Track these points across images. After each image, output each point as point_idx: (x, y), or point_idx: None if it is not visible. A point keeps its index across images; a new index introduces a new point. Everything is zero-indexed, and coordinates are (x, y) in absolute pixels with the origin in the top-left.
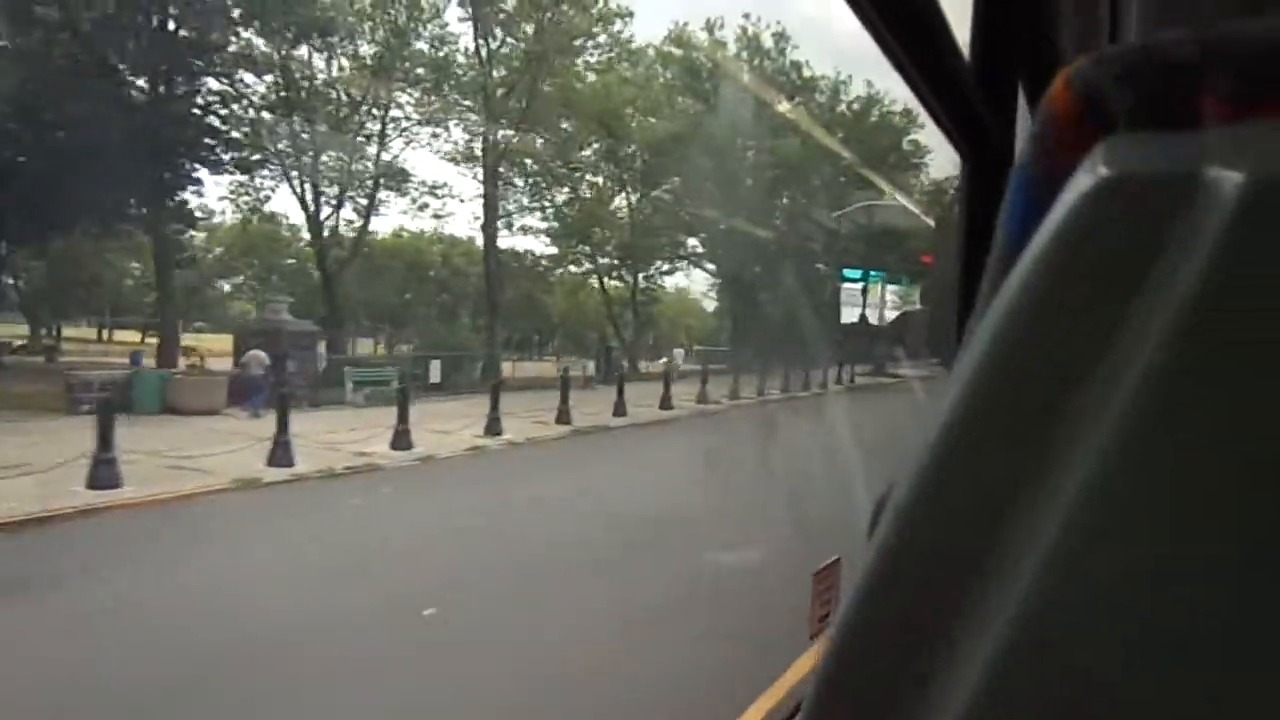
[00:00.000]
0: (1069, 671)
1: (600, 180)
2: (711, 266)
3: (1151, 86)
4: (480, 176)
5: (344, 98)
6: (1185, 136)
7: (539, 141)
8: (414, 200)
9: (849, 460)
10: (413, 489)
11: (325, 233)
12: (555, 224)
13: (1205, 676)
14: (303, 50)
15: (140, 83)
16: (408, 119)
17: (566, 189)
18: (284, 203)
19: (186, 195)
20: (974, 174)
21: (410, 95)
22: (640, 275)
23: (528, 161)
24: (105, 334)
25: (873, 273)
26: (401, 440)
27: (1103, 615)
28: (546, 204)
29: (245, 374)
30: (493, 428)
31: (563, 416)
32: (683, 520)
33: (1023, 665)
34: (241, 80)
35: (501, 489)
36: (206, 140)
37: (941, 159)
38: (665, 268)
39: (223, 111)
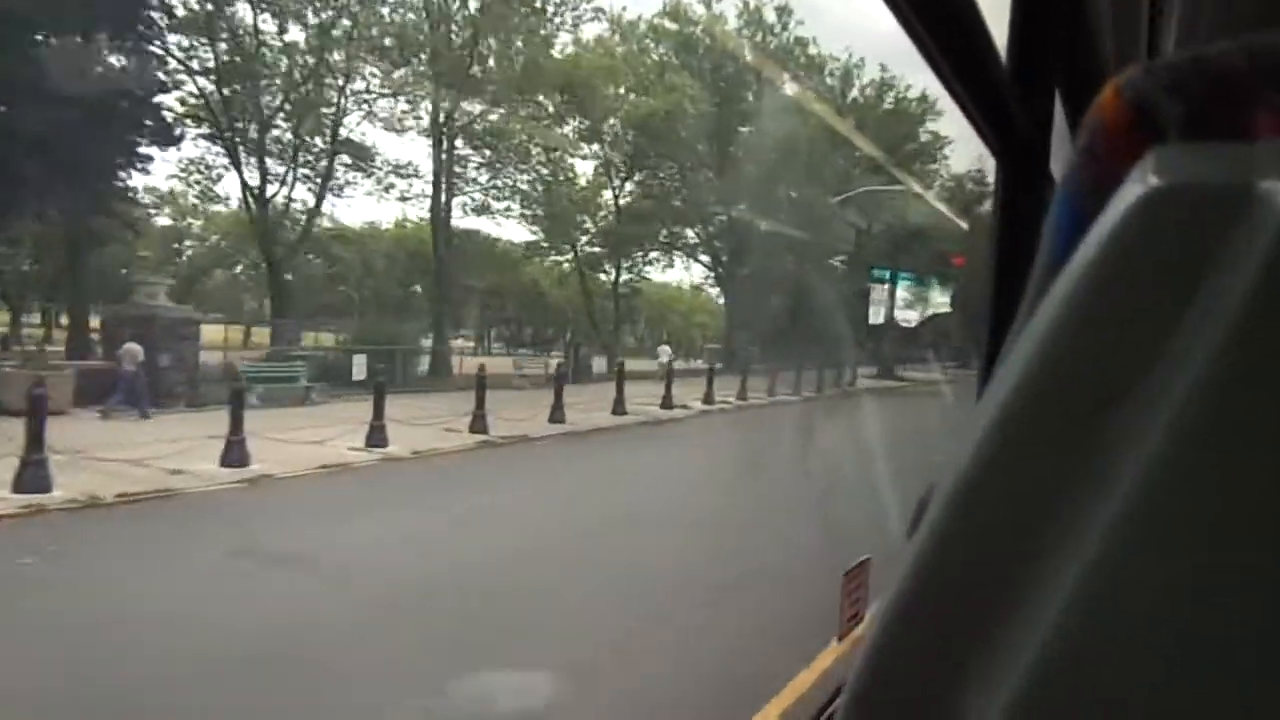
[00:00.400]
0: (1111, 675)
1: (572, 158)
2: (707, 258)
3: (1203, 97)
4: (442, 151)
5: (296, 66)
6: (1237, 148)
7: (503, 115)
8: (379, 181)
9: (823, 498)
10: (173, 531)
11: (303, 216)
12: (522, 207)
13: (1245, 687)
14: (244, 12)
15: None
16: (369, 91)
17: (531, 168)
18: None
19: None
20: (1008, 176)
21: (375, 66)
22: (624, 266)
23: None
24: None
25: (901, 272)
26: (234, 454)
27: (1145, 622)
28: (507, 184)
29: (119, 368)
30: (375, 438)
31: (477, 424)
32: (519, 609)
33: (1064, 668)
34: (176, 44)
35: (298, 534)
36: (129, 108)
37: (963, 151)
38: (660, 259)
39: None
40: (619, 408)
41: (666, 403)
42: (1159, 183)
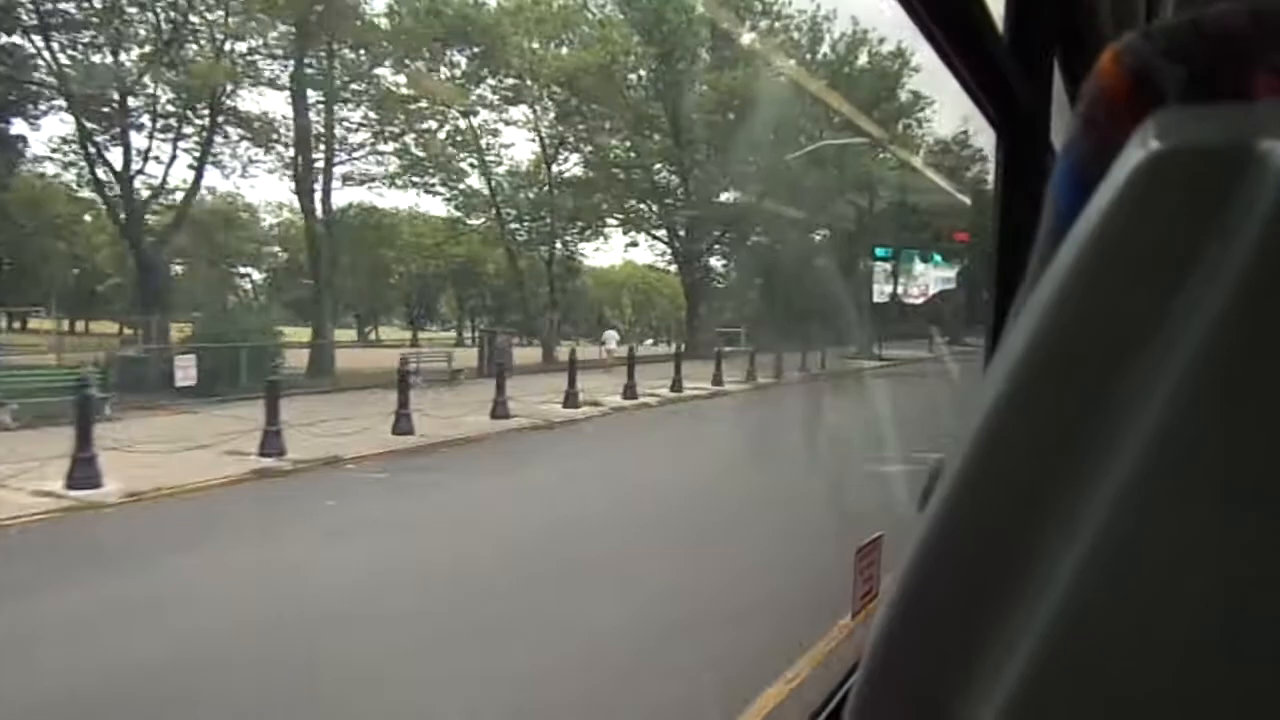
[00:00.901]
0: (1122, 643)
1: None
2: (663, 233)
3: (1202, 60)
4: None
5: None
6: (1238, 109)
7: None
8: (279, 156)
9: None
10: None
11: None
12: (411, 175)
13: (1259, 653)
14: None
15: None
16: (258, 52)
17: (421, 130)
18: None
19: None
20: (1009, 148)
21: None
22: (569, 242)
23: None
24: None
25: (905, 249)
26: None
27: (1154, 588)
28: (403, 152)
29: None
30: (79, 474)
31: (269, 443)
32: None
33: (1076, 636)
34: None
35: None
36: None
37: (949, 111)
38: (612, 234)
39: None
40: (500, 410)
41: (571, 400)
42: (1160, 146)
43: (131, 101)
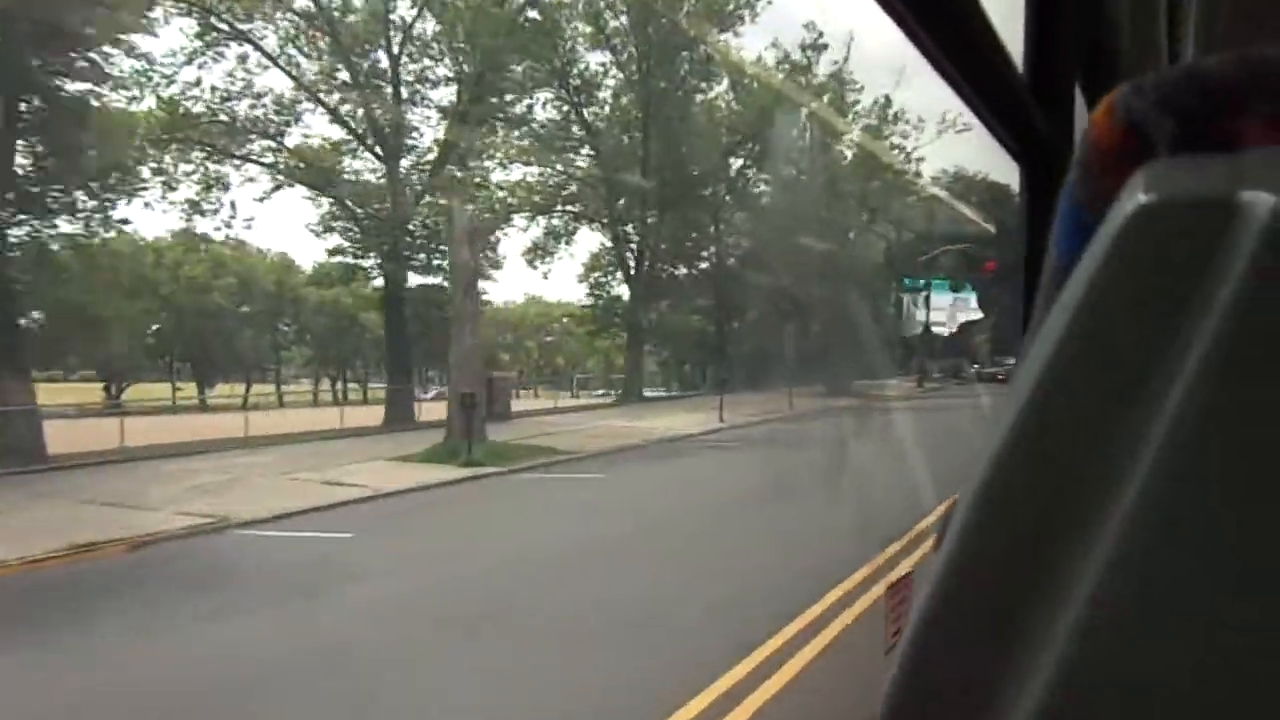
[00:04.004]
0: (1137, 672)
1: None
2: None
3: (1191, 111)
4: None
5: None
6: (1224, 159)
7: None
8: None
9: None
10: None
11: None
12: None
13: (1268, 668)
14: None
15: None
16: None
17: None
18: None
19: None
20: (1031, 182)
21: None
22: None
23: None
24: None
25: (937, 280)
26: None
27: (1168, 617)
28: None
29: None
30: None
31: None
32: None
33: (1092, 669)
34: None
35: None
36: None
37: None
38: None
39: None
40: None
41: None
42: (1148, 199)
43: None
